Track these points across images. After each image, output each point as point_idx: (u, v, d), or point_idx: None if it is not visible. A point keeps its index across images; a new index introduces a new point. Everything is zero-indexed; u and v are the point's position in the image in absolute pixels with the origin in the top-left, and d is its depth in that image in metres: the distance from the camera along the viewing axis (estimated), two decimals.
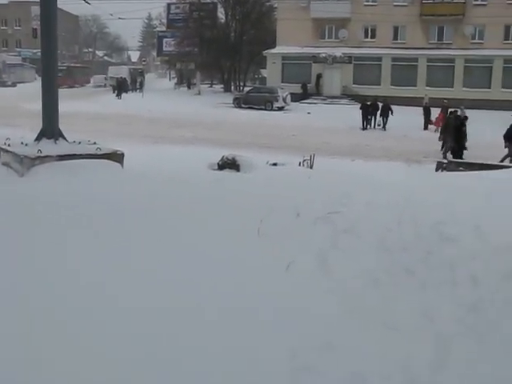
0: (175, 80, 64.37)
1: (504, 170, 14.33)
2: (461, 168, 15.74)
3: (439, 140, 22.80)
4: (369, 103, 31.00)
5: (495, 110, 35.38)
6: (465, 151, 19.99)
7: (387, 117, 30.26)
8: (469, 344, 3.97)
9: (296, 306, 4.39)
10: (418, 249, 6.03)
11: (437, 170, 16.75)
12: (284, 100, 38.57)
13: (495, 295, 4.85)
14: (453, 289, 4.98)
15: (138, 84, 53.33)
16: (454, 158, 19.32)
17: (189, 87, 55.71)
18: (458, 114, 21.95)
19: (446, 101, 32.08)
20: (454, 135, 20.04)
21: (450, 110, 21.29)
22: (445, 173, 15.64)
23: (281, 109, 37.89)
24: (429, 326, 4.21)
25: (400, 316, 4.34)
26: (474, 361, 3.74)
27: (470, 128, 21.29)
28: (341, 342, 3.86)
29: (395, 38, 44.37)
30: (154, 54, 76.11)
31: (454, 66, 42.60)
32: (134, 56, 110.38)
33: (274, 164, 13.31)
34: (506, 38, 42.54)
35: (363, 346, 3.84)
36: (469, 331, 4.16)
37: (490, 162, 16.81)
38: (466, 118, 20.98)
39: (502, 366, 3.69)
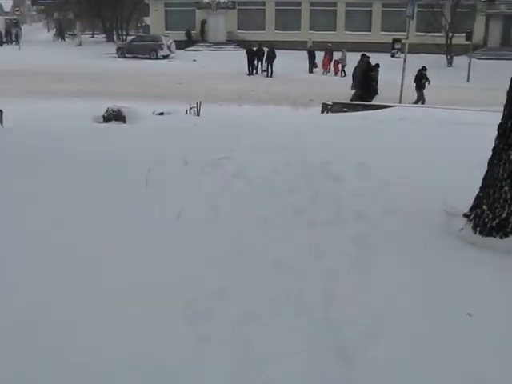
0: (54, 31, 60.87)
1: (385, 109, 14.92)
2: (345, 109, 16.20)
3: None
4: (254, 48, 30.99)
5: (375, 52, 36.44)
6: (376, 96, 20.21)
7: (272, 62, 30.41)
8: (354, 275, 4.14)
9: (189, 253, 4.38)
10: (305, 188, 6.19)
11: (322, 111, 17.15)
12: (169, 48, 37.74)
13: (377, 229, 5.08)
14: (339, 225, 5.16)
15: (13, 36, 49.98)
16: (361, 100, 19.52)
17: (63, 38, 52.37)
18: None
19: (329, 44, 32.73)
20: (360, 80, 20.23)
21: (366, 55, 21.26)
22: (330, 114, 16.04)
23: (166, 57, 37.07)
24: (318, 262, 4.34)
25: (290, 254, 4.45)
26: (359, 291, 3.91)
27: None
28: (234, 284, 3.90)
29: None
30: (29, 2, 71.48)
31: (336, 10, 43.27)
32: (7, 5, 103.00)
33: (161, 113, 13.11)
34: None
35: (256, 286, 3.91)
36: (354, 263, 4.33)
37: (373, 103, 17.45)
38: (377, 64, 21.26)
39: (382, 294, 3.88)
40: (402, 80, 20.61)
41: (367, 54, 21.85)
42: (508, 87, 4.84)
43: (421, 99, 20.62)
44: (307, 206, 5.65)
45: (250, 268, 4.19)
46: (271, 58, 30.37)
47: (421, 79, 20.84)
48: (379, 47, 36.94)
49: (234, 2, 43.15)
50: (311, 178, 6.64)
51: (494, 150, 4.90)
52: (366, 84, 19.73)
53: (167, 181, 6.12)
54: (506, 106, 4.84)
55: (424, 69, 21.24)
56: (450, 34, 37.47)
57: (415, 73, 21.03)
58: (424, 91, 20.72)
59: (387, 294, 3.88)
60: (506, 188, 4.73)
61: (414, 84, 20.90)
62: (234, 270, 4.15)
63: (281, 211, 5.46)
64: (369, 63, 20.99)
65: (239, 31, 43.23)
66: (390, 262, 4.41)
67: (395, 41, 37.27)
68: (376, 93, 20.05)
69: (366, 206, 5.64)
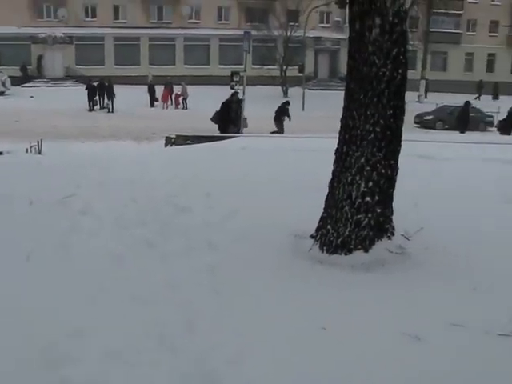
0: None
1: (229, 139, 15.31)
2: (188, 141, 16.39)
3: None
4: (95, 84, 30.48)
5: (214, 85, 37.47)
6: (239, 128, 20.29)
7: (113, 97, 30.08)
8: (211, 304, 4.20)
9: (42, 295, 4.19)
10: (154, 222, 6.20)
11: (166, 145, 17.23)
12: (3, 84, 35.91)
13: (229, 257, 5.20)
14: (191, 255, 5.21)
15: None
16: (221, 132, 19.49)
17: None
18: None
19: (169, 78, 33.09)
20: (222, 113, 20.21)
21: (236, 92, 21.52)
22: (174, 147, 16.15)
23: (1, 94, 35.23)
24: (174, 294, 4.35)
25: (146, 288, 4.41)
26: (218, 317, 3.97)
27: (194, 103, 22.23)
28: (92, 323, 3.79)
29: (116, 17, 44.13)
30: None
31: (174, 45, 43.96)
32: None
33: (0, 153, 12.46)
34: (220, 18, 45.24)
35: (115, 323, 3.83)
36: (209, 292, 4.39)
37: (215, 134, 17.81)
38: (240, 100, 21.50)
39: (242, 319, 3.97)
40: (242, 111, 21.26)
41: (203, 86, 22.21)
42: (341, 115, 5.23)
43: (280, 131, 21.33)
44: (158, 238, 5.65)
45: (108, 306, 4.09)
46: (111, 94, 30.03)
47: (281, 113, 21.55)
48: (218, 80, 37.99)
49: (71, 37, 42.23)
50: (160, 210, 6.66)
51: (333, 173, 5.25)
52: (226, 117, 19.99)
53: (14, 221, 5.84)
54: (340, 132, 5.22)
55: (287, 103, 22.01)
56: (284, 67, 39.54)
57: (255, 104, 21.76)
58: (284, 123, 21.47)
59: (247, 319, 3.97)
60: (347, 208, 5.08)
61: (275, 115, 21.58)
62: (91, 309, 4.03)
63: (132, 245, 5.42)
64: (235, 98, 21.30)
65: (78, 66, 42.39)
66: (245, 288, 4.52)
67: (233, 74, 38.50)
68: (235, 125, 20.31)
69: (216, 235, 5.75)
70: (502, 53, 52.48)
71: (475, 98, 42.78)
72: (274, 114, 21.75)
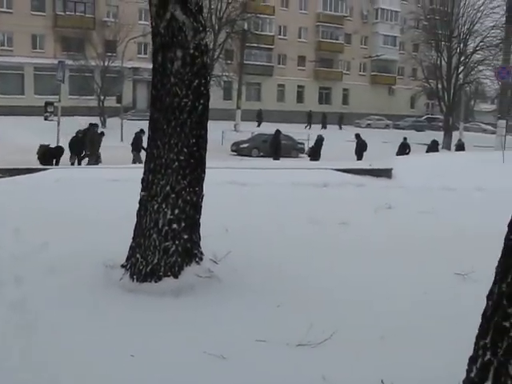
0: None
1: (41, 172, 14.64)
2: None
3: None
4: None
5: (30, 115, 35.88)
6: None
7: None
8: (18, 339, 4.03)
9: None
10: None
11: None
12: None
13: (40, 290, 5.03)
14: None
15: None
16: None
17: None
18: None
19: None
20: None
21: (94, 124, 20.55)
22: None
23: None
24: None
25: None
26: (26, 354, 3.82)
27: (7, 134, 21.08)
28: None
29: None
30: None
31: None
32: None
33: None
34: (34, 46, 43.49)
35: None
36: (19, 328, 4.22)
37: (31, 166, 16.95)
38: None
39: (52, 352, 3.86)
40: (58, 142, 20.58)
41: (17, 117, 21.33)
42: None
43: (137, 160, 20.67)
44: None
45: None
46: None
47: (138, 141, 20.95)
48: (32, 110, 36.45)
49: None
50: None
51: (140, 202, 5.30)
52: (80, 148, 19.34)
53: None
54: (146, 162, 5.32)
55: (142, 132, 21.52)
56: (102, 97, 38.94)
57: (71, 135, 21.06)
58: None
59: (57, 352, 3.87)
60: (154, 236, 5.15)
61: (132, 147, 21.00)
62: None
63: None
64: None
65: None
66: (53, 322, 4.39)
67: (48, 104, 37.15)
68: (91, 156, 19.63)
69: (24, 269, 5.52)
70: (310, 85, 56.42)
71: (306, 127, 46.07)
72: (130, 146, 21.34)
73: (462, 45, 43.19)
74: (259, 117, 45.94)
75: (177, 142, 5.06)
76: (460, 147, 29.66)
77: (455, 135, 39.11)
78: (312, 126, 47.51)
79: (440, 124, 47.98)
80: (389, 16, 60.12)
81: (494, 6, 38.23)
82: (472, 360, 2.83)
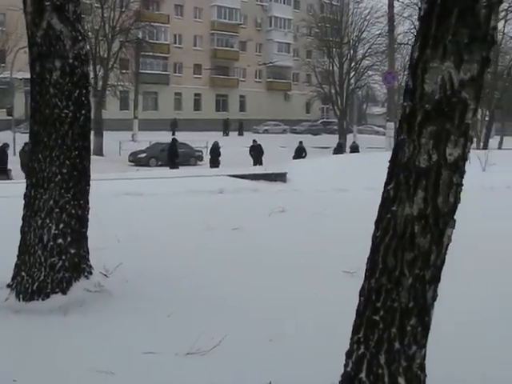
0: None
1: None
2: None
3: None
4: None
5: None
6: None
7: None
8: None
9: None
10: None
11: None
12: None
13: None
14: None
15: None
16: None
17: None
18: None
19: None
20: None
21: None
22: None
23: None
24: None
25: None
26: None
27: None
28: None
29: None
30: None
31: None
32: None
33: None
34: None
35: None
36: None
37: None
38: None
39: None
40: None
41: None
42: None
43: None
44: None
45: None
46: None
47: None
48: None
49: None
50: None
51: (23, 218, 5.11)
52: None
53: None
54: (27, 176, 5.14)
55: (26, 144, 20.54)
56: None
57: None
58: None
59: None
60: (39, 252, 4.98)
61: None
62: None
63: None
64: None
65: None
66: None
67: None
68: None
69: None
70: (207, 92, 56.62)
71: (224, 135, 46.69)
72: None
73: (352, 51, 44.93)
74: (173, 126, 45.77)
75: (58, 154, 4.93)
76: (354, 149, 30.71)
77: (350, 138, 40.48)
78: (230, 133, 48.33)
79: (335, 127, 49.55)
80: (282, 24, 61.41)
81: (379, 16, 40.17)
82: (348, 354, 2.96)
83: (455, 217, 2.70)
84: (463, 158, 2.62)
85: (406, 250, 2.66)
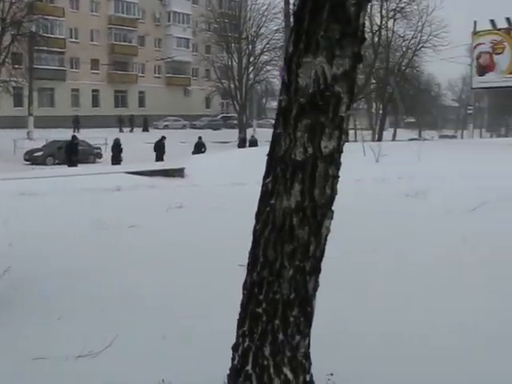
0: None
1: None
2: None
3: None
4: None
5: None
6: None
7: None
8: None
9: None
10: None
11: None
12: None
13: None
14: None
15: None
16: None
17: None
18: None
19: None
20: None
21: None
22: None
23: None
24: None
25: None
26: None
27: None
28: None
29: None
30: None
31: None
32: None
33: None
34: None
35: None
36: None
37: None
38: None
39: None
40: None
41: None
42: None
43: None
44: None
45: None
46: None
47: None
48: None
49: None
50: None
51: None
52: None
53: None
54: None
55: None
56: None
57: None
58: None
59: None
60: None
61: None
62: None
63: None
64: None
65: None
66: None
67: None
68: None
69: None
70: (105, 88, 55.28)
71: (130, 131, 45.92)
72: None
73: (250, 46, 45.38)
74: (76, 123, 44.34)
75: None
76: (253, 143, 30.99)
77: (250, 132, 40.83)
78: (134, 129, 47.53)
79: (235, 122, 49.88)
80: (181, 19, 60.92)
81: (276, 12, 40.78)
82: (234, 348, 2.97)
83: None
84: (338, 150, 2.68)
85: (286, 243, 2.71)
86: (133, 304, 4.99)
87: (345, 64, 2.61)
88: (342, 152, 2.72)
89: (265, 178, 2.78)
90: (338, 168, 2.72)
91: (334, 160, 2.68)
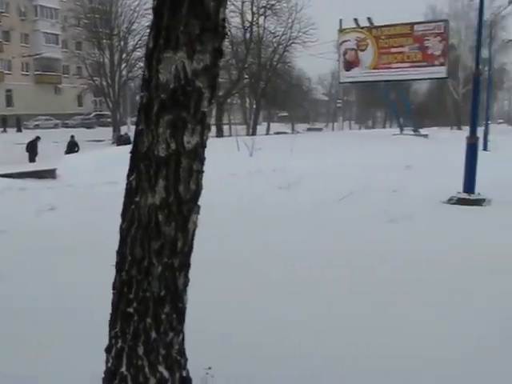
0: None
1: None
2: None
3: None
4: None
5: None
6: None
7: None
8: None
9: None
10: None
11: None
12: None
13: None
14: None
15: None
16: None
17: None
18: None
19: None
20: None
21: None
22: None
23: None
24: None
25: None
26: None
27: None
28: None
29: None
30: None
31: None
32: None
33: None
34: None
35: None
36: None
37: None
38: None
39: None
40: None
41: None
42: None
43: None
44: None
45: None
46: None
47: None
48: None
49: None
50: None
51: None
52: None
53: None
54: None
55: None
56: None
57: None
58: None
59: None
60: None
61: None
62: None
63: None
64: None
65: None
66: None
67: None
68: None
69: None
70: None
71: (2, 131, 43.76)
72: None
73: (122, 43, 44.44)
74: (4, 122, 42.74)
75: None
76: (126, 141, 30.28)
77: (124, 129, 40.00)
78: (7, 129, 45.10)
79: (109, 120, 48.69)
80: (49, 13, 58.51)
81: (148, 8, 40.17)
82: (107, 350, 2.91)
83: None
84: (202, 145, 2.69)
85: (153, 240, 2.68)
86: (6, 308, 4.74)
87: (205, 59, 2.62)
88: (205, 147, 2.73)
89: (129, 175, 2.73)
90: (202, 163, 2.73)
91: (197, 155, 2.68)
